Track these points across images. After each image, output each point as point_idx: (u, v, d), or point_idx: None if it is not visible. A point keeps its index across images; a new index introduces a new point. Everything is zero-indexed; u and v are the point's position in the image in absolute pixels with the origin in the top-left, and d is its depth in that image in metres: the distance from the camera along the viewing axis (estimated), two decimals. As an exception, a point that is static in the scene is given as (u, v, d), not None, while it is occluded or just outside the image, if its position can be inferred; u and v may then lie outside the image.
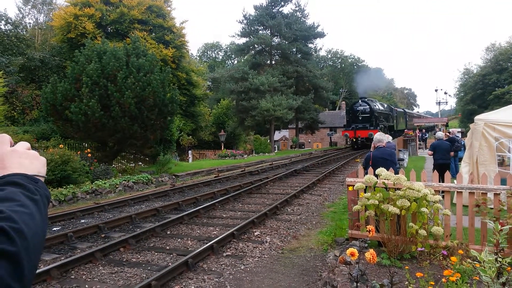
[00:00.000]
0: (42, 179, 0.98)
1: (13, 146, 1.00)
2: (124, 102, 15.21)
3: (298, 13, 40.17)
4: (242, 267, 5.82)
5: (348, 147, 39.88)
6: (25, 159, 0.98)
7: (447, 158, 10.87)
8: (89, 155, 16.12)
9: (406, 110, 53.68)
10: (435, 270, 4.73)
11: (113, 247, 6.71)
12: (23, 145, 1.02)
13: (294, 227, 8.15)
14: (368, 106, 34.79)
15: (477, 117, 8.98)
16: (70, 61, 19.21)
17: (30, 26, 37.59)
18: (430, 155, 11.06)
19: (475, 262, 3.70)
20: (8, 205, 0.80)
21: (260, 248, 6.73)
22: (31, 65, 26.73)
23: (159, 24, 30.94)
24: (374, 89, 73.78)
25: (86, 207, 10.54)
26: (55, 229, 8.39)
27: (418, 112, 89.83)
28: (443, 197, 5.71)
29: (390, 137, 12.38)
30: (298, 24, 38.45)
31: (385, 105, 42.40)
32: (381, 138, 6.90)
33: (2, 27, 27.86)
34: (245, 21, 39.21)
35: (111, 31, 30.08)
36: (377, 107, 36.66)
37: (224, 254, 6.43)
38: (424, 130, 38.63)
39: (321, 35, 41.05)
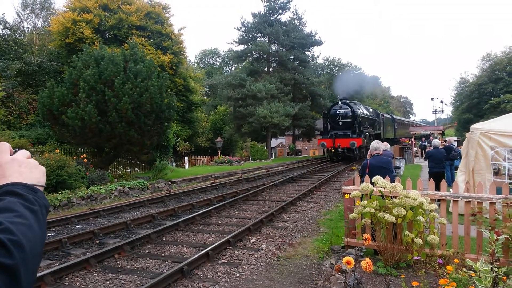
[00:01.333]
0: (41, 189, 0.97)
1: (13, 154, 1.00)
2: (121, 108, 15.19)
3: (296, 21, 40.37)
4: (238, 275, 5.79)
5: (326, 160, 32.33)
6: (25, 168, 0.97)
7: (441, 166, 10.91)
8: (85, 160, 16.05)
9: (395, 117, 47.09)
10: (431, 279, 4.72)
11: (108, 254, 6.66)
12: (24, 154, 1.01)
13: (290, 235, 8.13)
14: (350, 109, 28.83)
15: (473, 126, 9.02)
16: (68, 66, 19.18)
17: (28, 30, 37.55)
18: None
19: (471, 271, 3.70)
20: (6, 216, 0.80)
21: (256, 256, 6.70)
22: (29, 70, 26.69)
23: (157, 30, 31.02)
24: (359, 92, 69.00)
25: (81, 212, 10.48)
26: (49, 234, 8.32)
27: (413, 120, 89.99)
28: (439, 205, 5.72)
29: (388, 145, 12.43)
30: (295, 32, 38.62)
31: (371, 110, 36.35)
32: (378, 146, 6.91)
33: (0, 31, 27.84)
34: (243, 29, 39.38)
35: (109, 36, 30.12)
36: (360, 110, 30.79)
37: (220, 262, 6.40)
38: (424, 138, 36.02)
39: (319, 43, 41.25)
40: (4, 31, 28.29)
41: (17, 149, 1.06)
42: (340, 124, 28.88)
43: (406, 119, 63.57)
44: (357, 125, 28.48)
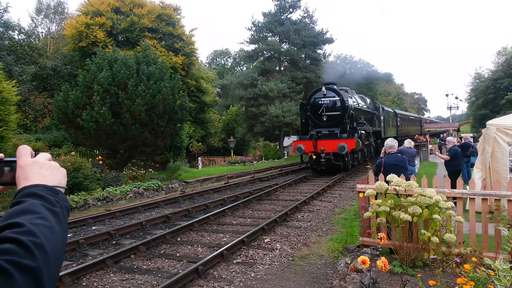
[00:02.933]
0: (63, 190, 0.99)
1: (34, 157, 1.02)
2: (135, 110, 15.34)
3: (306, 19, 40.20)
4: (253, 275, 5.80)
5: (301, 171, 21.93)
6: (46, 170, 0.99)
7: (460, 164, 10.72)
8: (100, 162, 16.26)
9: (398, 111, 37.28)
10: (448, 278, 4.66)
11: (124, 254, 6.74)
12: (45, 156, 1.04)
13: (305, 234, 8.11)
14: (338, 98, 20.11)
15: (489, 122, 8.88)
16: (82, 70, 19.48)
17: (42, 35, 38.21)
18: (446, 160, 10.48)
19: (489, 270, 3.64)
20: (28, 218, 0.81)
21: (270, 255, 6.70)
22: (44, 74, 27.16)
23: (169, 32, 31.24)
24: (371, 89, 58.97)
25: (97, 214, 10.61)
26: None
27: (427, 116, 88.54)
28: (455, 203, 5.64)
29: (412, 142, 12.17)
30: (306, 30, 38.46)
31: (368, 100, 27.14)
32: (393, 144, 6.85)
33: (16, 36, 28.37)
34: (253, 28, 39.38)
35: (122, 39, 30.43)
36: (353, 100, 21.86)
37: (235, 261, 6.42)
38: (443, 135, 31.74)
39: (330, 41, 41.00)
40: (19, 36, 28.84)
41: (37, 152, 1.08)
42: (325, 119, 20.20)
43: (412, 114, 52.58)
44: (349, 120, 19.72)
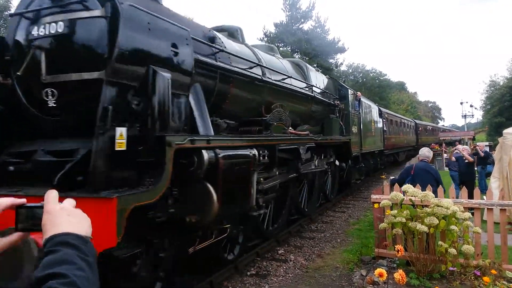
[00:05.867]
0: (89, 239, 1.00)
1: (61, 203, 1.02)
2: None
3: (318, 29, 40.42)
4: (267, 286, 5.75)
5: None
6: (74, 218, 0.99)
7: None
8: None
9: (386, 111, 24.16)
10: (467, 291, 4.56)
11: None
12: (71, 203, 1.04)
13: (319, 245, 8.03)
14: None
15: (505, 131, 8.75)
16: None
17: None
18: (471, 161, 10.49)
19: (510, 283, 3.56)
20: (68, 268, 0.83)
21: (284, 267, 6.65)
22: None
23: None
24: (384, 98, 52.80)
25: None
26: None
27: (442, 125, 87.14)
28: (472, 214, 5.54)
29: (467, 147, 12.16)
30: (318, 40, 38.64)
31: (322, 77, 12.48)
32: (429, 155, 7.21)
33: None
34: (265, 39, 39.70)
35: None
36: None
37: (248, 273, 6.38)
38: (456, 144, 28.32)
39: (342, 50, 41.15)
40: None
41: None
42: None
43: (410, 120, 35.29)
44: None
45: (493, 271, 4.58)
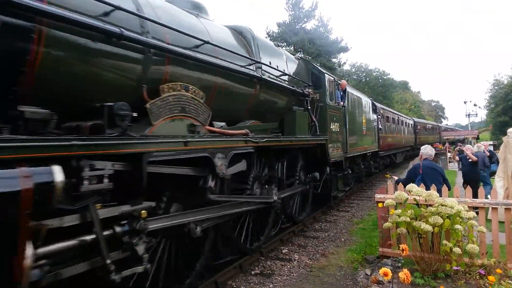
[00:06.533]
0: None
1: None
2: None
3: (321, 28, 40.33)
4: (271, 286, 5.78)
5: None
6: None
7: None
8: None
9: (379, 105, 20.37)
10: (471, 290, 4.56)
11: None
12: None
13: (323, 245, 8.04)
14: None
15: (510, 130, 8.73)
16: None
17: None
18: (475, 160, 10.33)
19: (515, 282, 3.56)
20: None
21: (289, 266, 6.67)
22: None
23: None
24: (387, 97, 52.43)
25: None
26: None
27: (446, 124, 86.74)
28: (477, 213, 5.53)
29: (482, 147, 11.91)
30: (321, 39, 38.57)
31: (290, 57, 10.10)
32: (432, 153, 6.98)
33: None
34: (268, 38, 39.71)
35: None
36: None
37: (252, 273, 6.40)
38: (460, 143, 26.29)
39: (345, 49, 41.03)
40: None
41: None
42: None
43: (409, 118, 32.31)
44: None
45: (498, 270, 4.58)
